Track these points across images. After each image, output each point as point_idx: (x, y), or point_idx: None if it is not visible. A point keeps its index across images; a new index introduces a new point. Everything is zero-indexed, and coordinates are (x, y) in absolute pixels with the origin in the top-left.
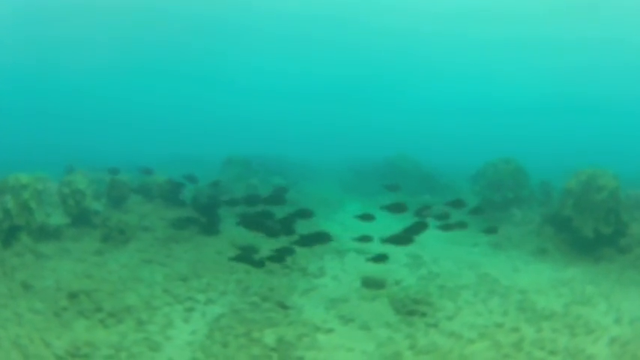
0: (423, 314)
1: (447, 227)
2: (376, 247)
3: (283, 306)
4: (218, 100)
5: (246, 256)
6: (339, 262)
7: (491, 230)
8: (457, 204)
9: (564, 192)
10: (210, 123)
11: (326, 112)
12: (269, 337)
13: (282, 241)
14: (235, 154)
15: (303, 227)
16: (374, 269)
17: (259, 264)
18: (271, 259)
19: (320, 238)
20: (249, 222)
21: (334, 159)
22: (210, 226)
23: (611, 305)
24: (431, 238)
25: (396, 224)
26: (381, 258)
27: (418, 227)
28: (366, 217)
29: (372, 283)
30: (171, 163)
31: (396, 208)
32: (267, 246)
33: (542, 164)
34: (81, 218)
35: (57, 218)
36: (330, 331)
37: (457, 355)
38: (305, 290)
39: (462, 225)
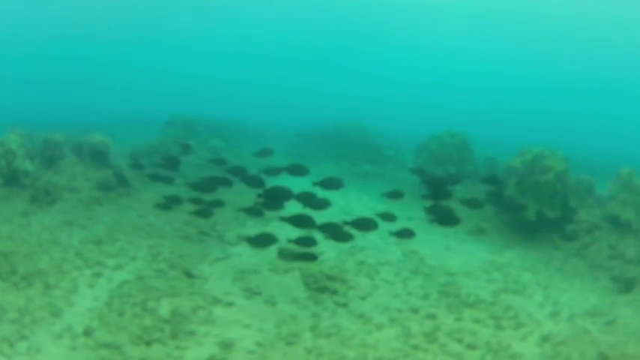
0: (334, 292)
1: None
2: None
3: (189, 275)
4: (172, 61)
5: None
6: (261, 230)
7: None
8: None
9: (507, 170)
10: (163, 83)
11: (278, 76)
12: (165, 307)
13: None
14: (178, 115)
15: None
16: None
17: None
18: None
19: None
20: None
21: (282, 124)
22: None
23: (548, 297)
24: (365, 209)
25: (331, 196)
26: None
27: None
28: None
29: (288, 255)
30: (117, 124)
31: (331, 184)
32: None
33: (498, 143)
34: (12, 179)
35: None
36: (230, 304)
37: (358, 342)
38: (217, 259)
39: (398, 195)
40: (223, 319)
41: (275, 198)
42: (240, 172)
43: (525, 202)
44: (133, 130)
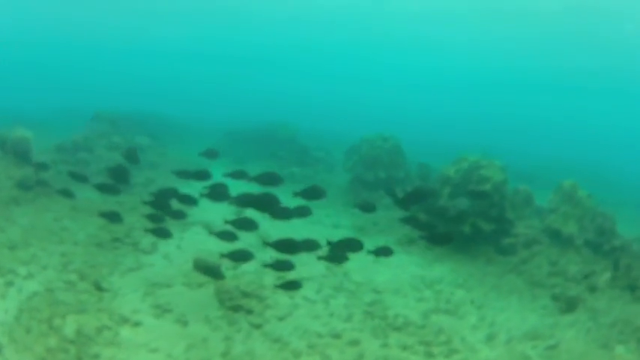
0: (250, 311)
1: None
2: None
3: (99, 287)
4: (102, 57)
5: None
6: (178, 237)
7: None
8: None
9: (441, 179)
10: (93, 78)
11: (208, 73)
12: (70, 326)
13: None
14: (104, 110)
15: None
16: (216, 248)
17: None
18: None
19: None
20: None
21: (212, 121)
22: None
23: (483, 317)
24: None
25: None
26: (227, 235)
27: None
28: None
29: (204, 267)
30: (47, 118)
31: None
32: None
33: (436, 145)
34: None
35: None
36: (138, 324)
37: None
38: (129, 269)
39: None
40: (130, 342)
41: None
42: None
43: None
44: (63, 123)
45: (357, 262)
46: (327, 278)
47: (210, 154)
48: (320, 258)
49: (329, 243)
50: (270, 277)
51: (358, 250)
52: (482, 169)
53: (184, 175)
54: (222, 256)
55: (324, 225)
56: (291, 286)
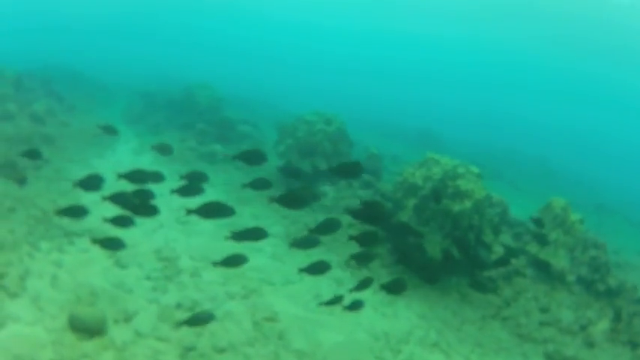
0: None
1: None
2: (131, 233)
3: None
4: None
5: None
6: (57, 263)
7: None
8: None
9: (404, 186)
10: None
11: (128, 24)
12: None
13: None
14: (7, 68)
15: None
16: (109, 279)
17: None
18: None
19: None
20: None
21: (132, 78)
22: None
23: None
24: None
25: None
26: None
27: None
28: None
29: (84, 327)
30: None
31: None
32: None
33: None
34: None
35: None
36: None
37: None
38: None
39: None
40: None
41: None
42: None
43: (428, 236)
44: None
45: (295, 307)
46: (256, 345)
47: (109, 129)
48: None
49: None
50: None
51: None
52: (460, 179)
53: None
54: None
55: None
56: None
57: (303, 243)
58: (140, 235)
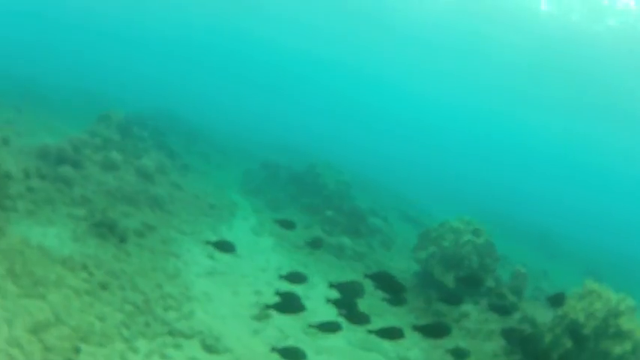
0: None
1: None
2: (249, 340)
3: None
4: None
5: None
6: None
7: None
8: None
9: (566, 320)
10: None
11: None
12: None
13: None
14: (114, 109)
15: None
16: None
17: None
18: None
19: None
20: None
21: (244, 143)
22: None
23: None
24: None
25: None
26: None
27: None
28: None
29: None
30: None
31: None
32: None
33: None
34: None
35: None
36: None
37: None
38: None
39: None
40: None
41: None
42: None
43: None
44: None
45: None
46: None
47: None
48: None
49: None
50: None
51: None
52: (621, 318)
53: None
54: None
55: None
56: None
57: None
58: (261, 344)
